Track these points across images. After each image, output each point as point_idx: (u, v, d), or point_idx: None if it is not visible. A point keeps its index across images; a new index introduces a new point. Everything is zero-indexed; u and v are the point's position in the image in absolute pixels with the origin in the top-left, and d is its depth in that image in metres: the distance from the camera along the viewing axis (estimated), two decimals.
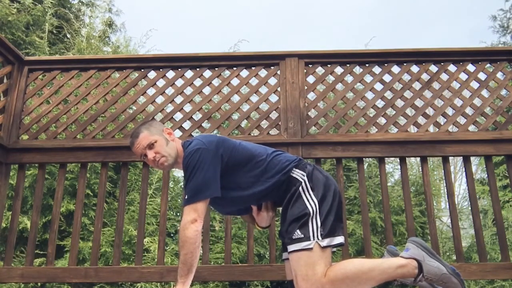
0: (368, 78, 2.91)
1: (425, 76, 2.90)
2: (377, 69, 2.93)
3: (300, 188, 1.79)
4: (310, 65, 2.94)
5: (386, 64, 2.91)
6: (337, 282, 1.67)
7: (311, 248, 1.69)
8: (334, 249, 1.86)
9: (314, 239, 1.70)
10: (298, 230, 1.73)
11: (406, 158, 2.85)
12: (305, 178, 1.80)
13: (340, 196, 1.85)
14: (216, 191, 1.79)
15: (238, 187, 1.87)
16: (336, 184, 1.87)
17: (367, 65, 2.92)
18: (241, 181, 1.87)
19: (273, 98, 2.90)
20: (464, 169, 2.87)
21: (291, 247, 1.73)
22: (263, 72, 2.95)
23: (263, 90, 2.94)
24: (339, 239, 1.76)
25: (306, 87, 2.89)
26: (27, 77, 2.98)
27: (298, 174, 1.82)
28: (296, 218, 1.75)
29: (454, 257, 4.03)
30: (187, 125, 2.88)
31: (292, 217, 1.77)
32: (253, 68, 2.96)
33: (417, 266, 1.71)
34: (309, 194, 1.78)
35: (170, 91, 2.94)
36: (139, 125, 1.98)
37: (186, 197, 1.79)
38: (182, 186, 5.00)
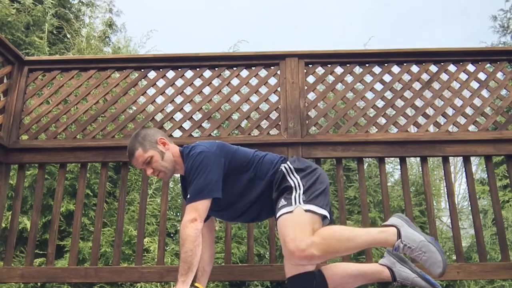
0: (368, 78, 2.91)
1: (425, 76, 2.90)
2: (377, 69, 2.93)
3: (284, 169, 1.90)
4: (310, 65, 2.93)
5: (386, 64, 2.91)
6: (326, 236, 1.71)
7: (293, 211, 1.75)
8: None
9: (296, 204, 1.77)
10: (282, 199, 1.82)
11: (406, 158, 2.84)
12: (288, 163, 1.93)
13: (326, 179, 1.93)
14: (217, 192, 1.83)
15: (235, 190, 1.93)
16: (323, 172, 1.96)
17: (367, 65, 2.92)
18: (238, 183, 1.92)
19: (273, 98, 2.90)
20: (464, 169, 2.87)
21: (277, 215, 1.81)
22: (263, 72, 2.95)
23: (263, 90, 2.94)
24: (324, 212, 1.81)
25: (306, 87, 2.89)
26: (27, 77, 2.98)
27: (282, 165, 1.94)
28: (281, 192, 1.85)
29: (454, 257, 4.03)
30: (187, 125, 2.87)
31: (278, 194, 1.87)
32: (253, 68, 2.96)
33: (396, 232, 1.78)
34: (292, 174, 1.88)
35: (170, 91, 2.94)
36: (133, 137, 1.99)
37: (188, 197, 1.82)
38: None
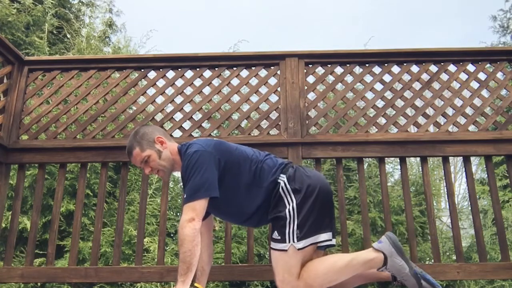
0: (368, 78, 2.91)
1: (425, 76, 2.90)
2: (377, 69, 2.92)
3: (280, 189, 1.88)
4: (310, 65, 2.93)
5: (386, 64, 2.91)
6: (309, 281, 1.80)
7: (286, 251, 1.81)
8: (327, 243, 1.91)
9: (289, 242, 1.81)
10: (276, 232, 1.85)
11: (406, 158, 2.84)
12: (285, 180, 1.89)
13: (328, 193, 1.91)
14: (214, 191, 1.82)
15: (233, 194, 1.92)
16: (324, 182, 1.93)
17: (367, 65, 2.92)
18: (236, 187, 1.91)
19: (273, 98, 2.90)
20: (464, 169, 2.87)
21: (271, 245, 1.87)
22: (263, 72, 2.95)
23: (263, 90, 2.93)
24: (324, 236, 1.85)
25: (306, 87, 2.89)
26: (27, 77, 2.98)
27: (281, 178, 1.91)
28: (276, 218, 1.86)
29: (454, 257, 4.03)
30: (187, 125, 2.87)
31: (272, 216, 1.88)
32: (253, 68, 2.96)
33: (383, 260, 1.86)
34: (289, 196, 1.87)
35: (170, 91, 2.94)
36: (132, 136, 2.00)
37: (185, 196, 1.82)
38: (181, 187, 5.02)
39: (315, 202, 1.84)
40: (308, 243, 1.81)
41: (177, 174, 5.56)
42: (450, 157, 2.79)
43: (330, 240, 1.89)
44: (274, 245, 1.85)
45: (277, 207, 1.87)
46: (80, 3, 7.99)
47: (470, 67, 2.89)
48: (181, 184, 5.55)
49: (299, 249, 1.80)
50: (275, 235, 1.85)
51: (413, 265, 1.89)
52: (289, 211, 1.83)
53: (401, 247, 1.88)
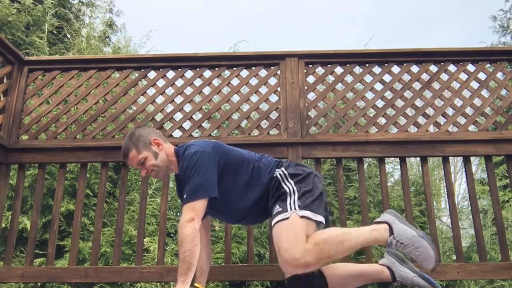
0: (368, 78, 2.91)
1: (425, 76, 2.90)
2: (377, 69, 2.93)
3: (278, 175, 1.92)
4: (310, 65, 2.93)
5: (386, 64, 2.91)
6: (319, 245, 1.74)
7: (288, 218, 1.78)
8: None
9: (291, 210, 1.80)
10: (277, 205, 1.85)
11: (406, 158, 2.84)
12: (282, 168, 1.94)
13: (320, 183, 1.96)
14: (213, 192, 1.84)
15: (232, 194, 1.93)
16: (318, 175, 1.98)
17: (367, 65, 2.92)
18: (235, 187, 1.93)
19: (273, 98, 2.90)
20: (464, 169, 2.87)
21: (272, 221, 1.84)
22: (263, 72, 2.95)
23: (263, 90, 2.93)
24: (320, 218, 1.85)
25: (306, 87, 2.89)
26: (27, 77, 2.98)
27: (277, 171, 1.96)
28: (277, 197, 1.88)
29: (454, 257, 4.03)
30: (187, 125, 2.87)
31: (273, 201, 1.89)
32: (253, 68, 2.96)
33: (388, 228, 1.83)
34: (287, 179, 1.90)
35: (170, 91, 2.94)
36: (128, 138, 2.00)
37: (184, 196, 1.83)
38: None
39: (313, 184, 1.89)
40: (310, 215, 1.79)
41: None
42: (450, 157, 2.79)
43: (322, 223, 1.89)
44: (275, 218, 1.82)
45: (277, 191, 1.90)
46: (80, 3, 7.99)
47: (470, 67, 2.89)
48: None
49: (301, 217, 1.78)
50: (276, 208, 1.84)
51: (418, 229, 1.86)
52: (289, 188, 1.87)
53: (401, 216, 1.88)
